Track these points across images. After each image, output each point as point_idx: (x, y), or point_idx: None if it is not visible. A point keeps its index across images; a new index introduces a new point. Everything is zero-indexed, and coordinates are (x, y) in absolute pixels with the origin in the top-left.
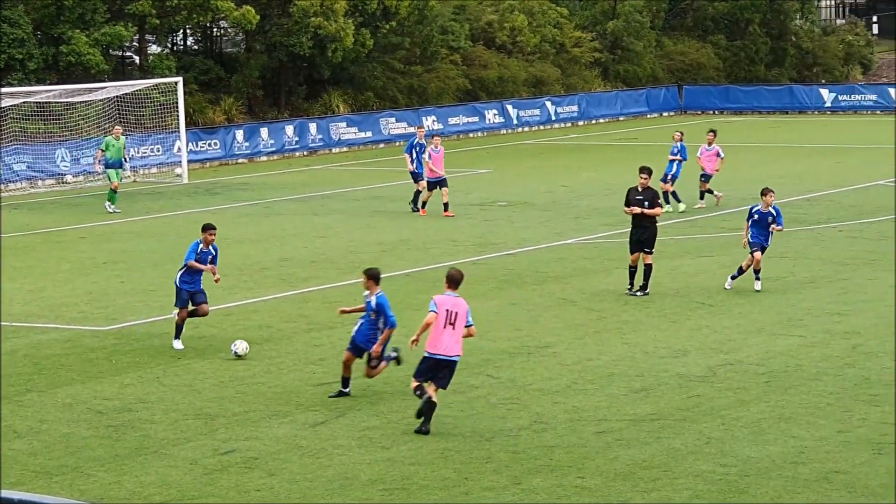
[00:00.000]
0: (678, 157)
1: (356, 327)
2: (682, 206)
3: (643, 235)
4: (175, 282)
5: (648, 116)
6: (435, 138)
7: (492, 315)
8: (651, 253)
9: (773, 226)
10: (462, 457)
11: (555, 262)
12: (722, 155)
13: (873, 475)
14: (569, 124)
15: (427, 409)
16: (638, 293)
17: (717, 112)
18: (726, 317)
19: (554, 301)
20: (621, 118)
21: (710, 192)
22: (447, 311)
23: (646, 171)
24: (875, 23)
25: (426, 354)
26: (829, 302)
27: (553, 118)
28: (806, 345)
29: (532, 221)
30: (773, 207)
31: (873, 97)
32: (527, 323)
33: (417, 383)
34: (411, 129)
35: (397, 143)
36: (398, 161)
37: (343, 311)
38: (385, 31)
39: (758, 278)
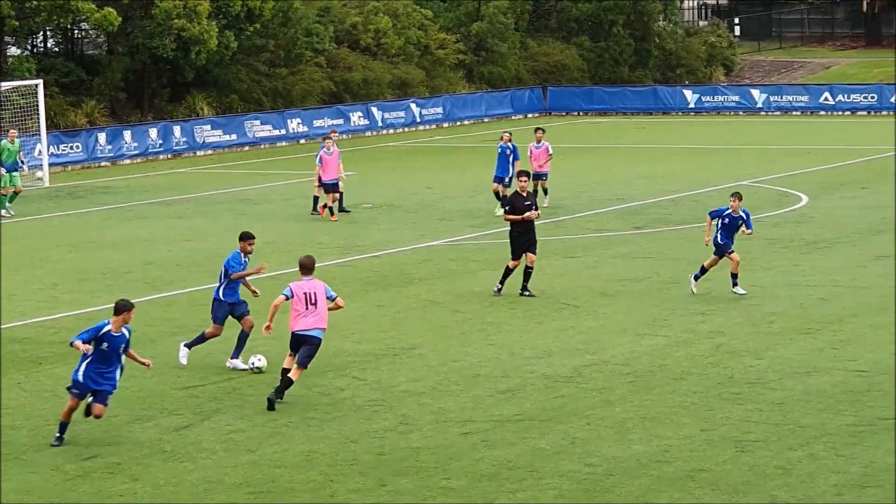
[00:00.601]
0: (512, 158)
1: (82, 369)
2: (498, 211)
3: (530, 239)
4: (217, 295)
5: (513, 118)
6: (327, 141)
7: (357, 317)
8: (536, 253)
9: (744, 230)
10: (328, 459)
11: (420, 264)
12: (551, 152)
13: (736, 473)
14: (434, 126)
15: (283, 387)
16: (526, 294)
17: (581, 113)
18: (591, 317)
19: (419, 303)
20: (486, 119)
21: (545, 190)
22: (305, 293)
23: (525, 174)
24: (737, 24)
25: (293, 333)
26: (694, 302)
27: (418, 120)
28: (670, 344)
29: (397, 223)
30: (743, 211)
31: (736, 98)
32: (392, 324)
33: (288, 363)
34: (277, 132)
35: (262, 146)
36: (263, 164)
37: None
38: (249, 34)
39: (736, 283)
